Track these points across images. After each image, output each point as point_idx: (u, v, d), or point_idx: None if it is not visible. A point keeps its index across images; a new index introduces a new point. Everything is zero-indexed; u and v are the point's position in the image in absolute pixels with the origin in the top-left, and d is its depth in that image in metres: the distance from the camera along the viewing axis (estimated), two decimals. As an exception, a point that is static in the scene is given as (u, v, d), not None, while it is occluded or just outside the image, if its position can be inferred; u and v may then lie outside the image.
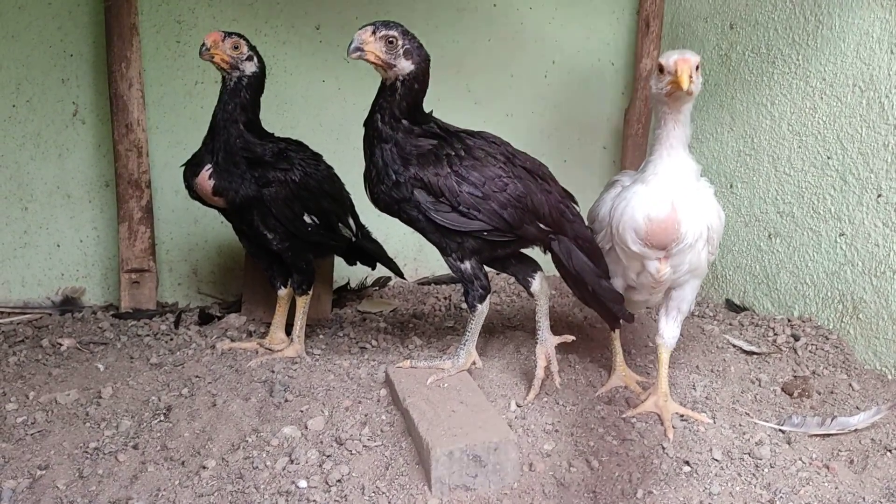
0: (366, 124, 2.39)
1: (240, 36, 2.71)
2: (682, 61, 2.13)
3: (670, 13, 3.92)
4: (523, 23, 3.96)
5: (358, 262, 3.42)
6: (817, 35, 3.06)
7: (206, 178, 2.73)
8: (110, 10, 3.33)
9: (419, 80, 2.31)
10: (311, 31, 3.69)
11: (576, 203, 2.59)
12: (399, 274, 3.52)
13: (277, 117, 3.58)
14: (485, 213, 2.33)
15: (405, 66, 2.27)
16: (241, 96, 2.73)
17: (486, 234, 2.37)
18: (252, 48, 2.73)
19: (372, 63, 2.26)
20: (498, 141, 2.48)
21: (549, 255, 2.58)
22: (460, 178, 2.31)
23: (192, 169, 2.79)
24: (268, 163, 2.76)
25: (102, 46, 3.41)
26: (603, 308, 2.59)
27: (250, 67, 2.73)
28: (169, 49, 3.54)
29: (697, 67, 2.18)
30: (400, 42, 2.25)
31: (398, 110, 2.32)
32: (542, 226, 2.45)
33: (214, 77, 3.56)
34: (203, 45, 2.66)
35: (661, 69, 2.21)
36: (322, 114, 3.75)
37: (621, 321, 2.63)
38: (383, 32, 2.23)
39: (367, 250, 3.32)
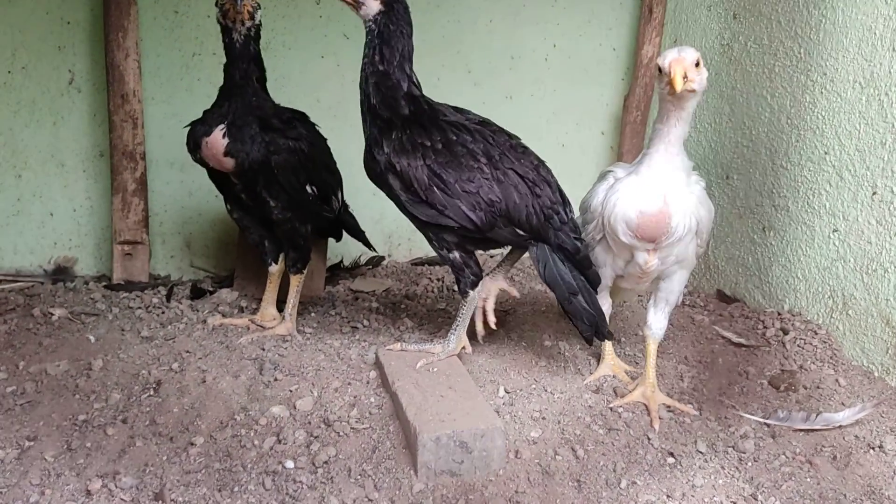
0: (360, 87, 2.43)
1: None
2: (676, 62, 2.11)
3: (674, 0, 3.89)
4: (525, 5, 3.93)
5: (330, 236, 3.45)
6: (820, 29, 3.04)
7: (219, 138, 2.69)
8: (108, -23, 3.30)
9: (394, 23, 2.34)
10: (311, 6, 3.65)
11: (570, 209, 2.52)
12: (370, 248, 3.54)
13: (275, 93, 3.48)
14: (452, 210, 2.32)
15: (373, 5, 2.33)
16: (251, 50, 2.73)
17: (455, 230, 2.37)
18: None
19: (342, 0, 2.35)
20: (491, 136, 2.43)
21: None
22: (432, 173, 2.30)
23: (201, 128, 2.75)
24: (278, 129, 2.76)
25: (100, 15, 3.37)
26: (573, 323, 2.51)
27: (258, 16, 2.74)
28: (167, 19, 3.50)
29: (698, 64, 2.15)
30: None
31: (378, 55, 2.36)
32: (518, 231, 2.41)
33: (212, 49, 3.54)
34: None
35: (659, 70, 2.18)
36: (320, 90, 3.72)
37: (594, 338, 2.53)
38: None
39: (345, 223, 3.34)
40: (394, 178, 2.34)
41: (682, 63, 2.11)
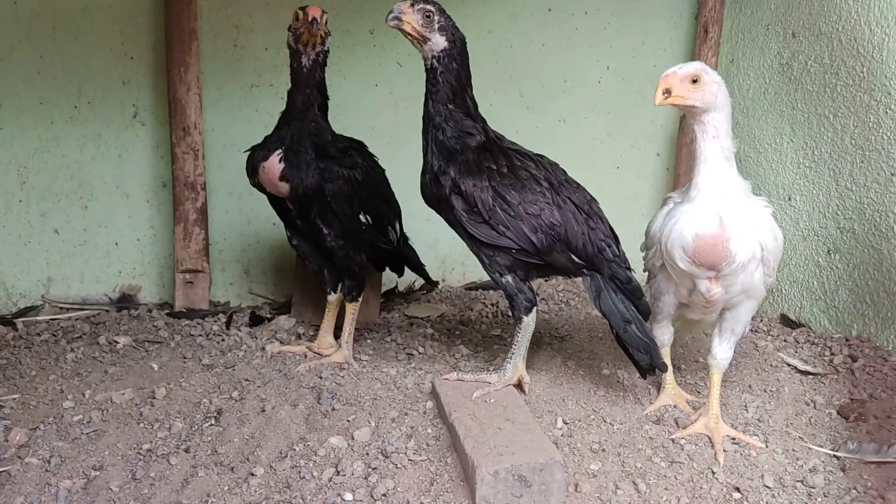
0: (423, 115, 2.47)
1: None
2: (663, 77, 2.17)
3: (730, 19, 3.84)
4: (578, 28, 3.92)
5: (387, 269, 3.47)
6: (883, 48, 2.96)
7: (275, 162, 2.75)
8: (170, 14, 3.39)
9: (457, 60, 2.39)
10: (366, 36, 3.70)
11: (619, 245, 2.56)
12: (429, 281, 3.59)
13: (330, 121, 3.60)
14: (514, 231, 2.37)
15: (439, 41, 2.35)
16: (317, 76, 2.78)
17: (514, 252, 2.40)
18: None
19: (408, 34, 2.36)
20: (549, 167, 2.51)
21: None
22: (496, 194, 2.36)
23: (260, 153, 2.82)
24: (333, 157, 2.80)
25: (162, 50, 3.48)
26: (628, 354, 2.56)
27: (328, 42, 2.77)
28: (226, 52, 3.59)
29: (696, 80, 2.16)
30: (436, 17, 2.34)
31: (443, 93, 2.39)
32: (574, 258, 2.46)
33: (269, 80, 3.62)
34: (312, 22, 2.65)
35: None
36: (374, 119, 3.76)
37: (648, 372, 2.58)
38: (421, 6, 2.34)
39: (405, 256, 3.37)
40: (457, 199, 2.39)
41: (668, 78, 2.16)
